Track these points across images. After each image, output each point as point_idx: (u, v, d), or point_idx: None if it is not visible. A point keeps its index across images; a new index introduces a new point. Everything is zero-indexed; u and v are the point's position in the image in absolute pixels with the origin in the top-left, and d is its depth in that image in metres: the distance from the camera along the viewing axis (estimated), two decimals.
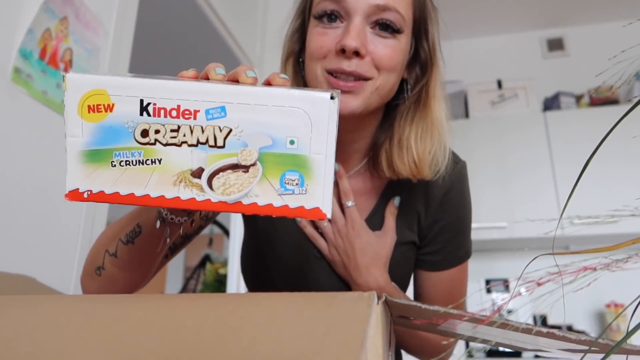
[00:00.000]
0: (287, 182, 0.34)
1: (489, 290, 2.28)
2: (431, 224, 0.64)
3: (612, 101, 2.56)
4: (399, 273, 0.63)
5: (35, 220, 0.98)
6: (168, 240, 0.48)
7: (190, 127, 0.34)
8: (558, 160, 2.42)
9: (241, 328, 0.21)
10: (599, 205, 2.34)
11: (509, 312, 2.33)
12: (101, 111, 0.34)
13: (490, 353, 2.13)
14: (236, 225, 2.19)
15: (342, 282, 0.62)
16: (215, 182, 0.34)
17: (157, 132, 0.34)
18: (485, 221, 2.39)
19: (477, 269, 2.61)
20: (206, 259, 2.77)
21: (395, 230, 0.61)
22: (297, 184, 0.34)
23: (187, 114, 0.34)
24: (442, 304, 0.57)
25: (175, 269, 5.04)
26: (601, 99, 2.58)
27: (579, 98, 2.66)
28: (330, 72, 0.54)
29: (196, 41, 2.98)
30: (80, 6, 1.10)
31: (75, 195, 0.34)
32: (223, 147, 0.34)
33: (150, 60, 3.19)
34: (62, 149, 1.08)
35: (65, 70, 1.05)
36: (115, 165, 0.34)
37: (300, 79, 0.62)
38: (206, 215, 0.64)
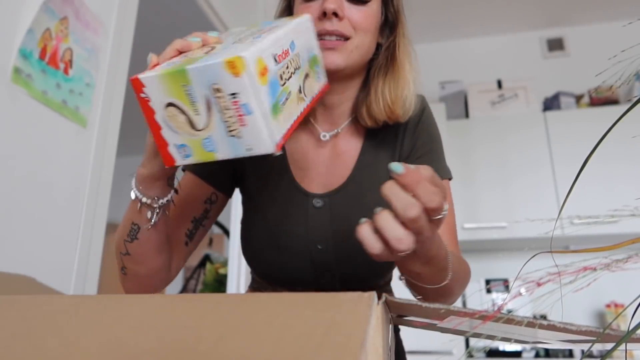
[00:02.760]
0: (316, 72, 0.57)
1: (489, 290, 2.28)
2: (411, 149, 0.73)
3: (612, 101, 2.56)
4: None
5: (35, 220, 0.98)
6: (156, 217, 0.59)
7: (289, 61, 0.49)
8: (558, 160, 2.42)
9: (241, 328, 0.21)
10: (599, 205, 2.35)
11: (509, 312, 2.33)
12: (264, 74, 0.43)
13: (490, 353, 2.13)
14: (236, 225, 2.19)
15: (346, 234, 0.67)
16: (306, 90, 0.53)
17: (282, 74, 0.47)
18: (485, 221, 2.39)
19: (477, 269, 2.61)
20: (206, 258, 2.77)
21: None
22: (318, 74, 0.58)
23: (285, 54, 0.48)
24: (445, 223, 0.66)
25: None
26: (601, 99, 2.58)
27: (579, 98, 2.66)
28: (319, 35, 0.64)
29: None
30: (80, 6, 1.10)
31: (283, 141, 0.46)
32: (300, 67, 0.52)
33: None
34: (62, 149, 1.07)
35: (65, 70, 1.05)
36: (282, 110, 0.46)
37: None
38: (209, 199, 0.73)
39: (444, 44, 3.13)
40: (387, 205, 0.43)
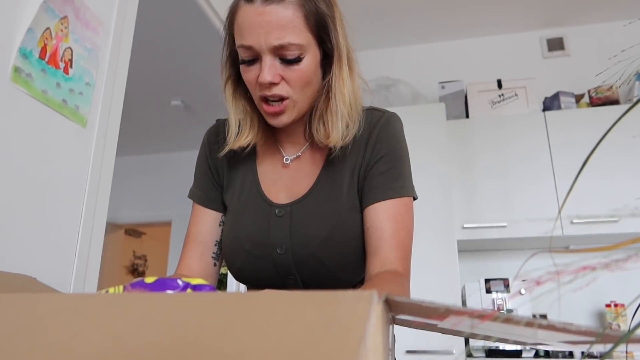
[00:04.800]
0: None
1: (488, 290, 2.28)
2: (367, 165, 0.78)
3: (612, 101, 2.56)
4: (357, 237, 0.75)
5: (35, 220, 0.98)
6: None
7: None
8: (558, 160, 2.42)
9: (240, 324, 0.21)
10: (599, 205, 2.35)
11: (509, 311, 2.33)
12: None
13: (490, 353, 2.13)
14: None
15: (302, 237, 0.75)
16: None
17: None
18: (485, 221, 2.39)
19: (477, 269, 2.61)
20: None
21: (347, 197, 0.77)
22: None
23: None
24: (389, 233, 0.72)
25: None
26: (601, 99, 2.58)
27: (579, 98, 2.66)
28: (262, 99, 0.73)
29: (196, 41, 2.98)
30: (80, 5, 1.10)
31: None
32: None
33: (150, 60, 3.19)
34: (61, 149, 1.08)
35: (65, 70, 1.05)
36: None
37: (240, 96, 0.80)
38: (222, 221, 0.86)
39: (444, 44, 3.13)
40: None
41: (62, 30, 1.05)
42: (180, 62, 3.27)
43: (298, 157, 0.82)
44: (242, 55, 0.72)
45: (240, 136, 0.79)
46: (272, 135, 0.84)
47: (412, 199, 0.78)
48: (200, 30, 2.68)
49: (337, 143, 0.75)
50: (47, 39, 1.01)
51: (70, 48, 1.07)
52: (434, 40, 3.12)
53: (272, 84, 0.70)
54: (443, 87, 2.82)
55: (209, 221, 0.84)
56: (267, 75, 0.69)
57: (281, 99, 0.72)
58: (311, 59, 0.73)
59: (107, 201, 1.22)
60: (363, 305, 0.21)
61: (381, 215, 0.74)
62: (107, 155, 1.20)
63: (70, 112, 1.08)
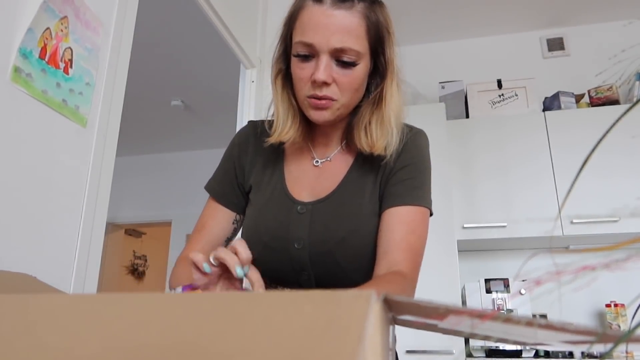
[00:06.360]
0: None
1: (488, 290, 2.28)
2: (390, 172, 0.81)
3: (612, 101, 2.56)
4: (373, 244, 0.77)
5: (35, 220, 0.98)
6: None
7: None
8: (558, 159, 2.42)
9: (239, 324, 0.21)
10: (599, 205, 2.35)
11: (509, 312, 2.33)
12: None
13: (490, 353, 2.13)
14: None
15: (321, 235, 0.77)
16: None
17: None
18: (485, 221, 2.39)
19: (477, 269, 2.61)
20: None
21: (369, 201, 0.80)
22: None
23: None
24: (400, 236, 0.74)
25: None
26: (601, 99, 2.58)
27: (579, 98, 2.66)
28: (310, 97, 0.75)
29: (196, 41, 2.99)
30: (80, 5, 1.10)
31: None
32: None
33: (150, 60, 3.19)
34: (61, 149, 1.07)
35: (65, 70, 1.05)
36: None
37: (288, 90, 0.82)
38: (236, 220, 0.88)
39: (444, 44, 3.13)
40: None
41: (62, 30, 1.05)
42: (180, 62, 3.27)
43: (328, 160, 0.85)
44: (299, 50, 0.75)
45: (284, 129, 0.81)
46: (307, 135, 0.86)
47: (428, 211, 0.81)
48: (200, 30, 2.68)
49: (382, 152, 0.78)
50: (47, 39, 1.01)
51: (70, 48, 1.07)
52: (434, 40, 3.12)
53: (325, 84, 0.73)
54: (443, 87, 2.82)
55: (221, 216, 0.87)
56: (322, 74, 0.72)
57: (329, 99, 0.75)
58: (364, 67, 0.76)
59: (107, 201, 1.21)
60: (361, 304, 0.21)
61: (395, 219, 0.77)
62: (107, 155, 1.20)
63: (70, 112, 1.08)
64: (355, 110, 0.82)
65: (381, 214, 0.79)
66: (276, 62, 0.84)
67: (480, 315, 0.25)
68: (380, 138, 0.78)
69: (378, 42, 0.78)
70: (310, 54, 0.74)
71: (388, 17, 0.81)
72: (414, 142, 0.84)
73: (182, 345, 0.20)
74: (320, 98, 0.74)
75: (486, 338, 0.35)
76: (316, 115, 0.76)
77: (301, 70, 0.75)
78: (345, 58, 0.73)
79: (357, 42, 0.73)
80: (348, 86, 0.75)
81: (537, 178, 2.41)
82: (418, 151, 0.84)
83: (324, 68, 0.72)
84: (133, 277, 5.78)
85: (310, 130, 0.85)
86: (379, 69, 0.80)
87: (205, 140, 4.56)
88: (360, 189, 0.81)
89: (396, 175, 0.81)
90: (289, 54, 0.80)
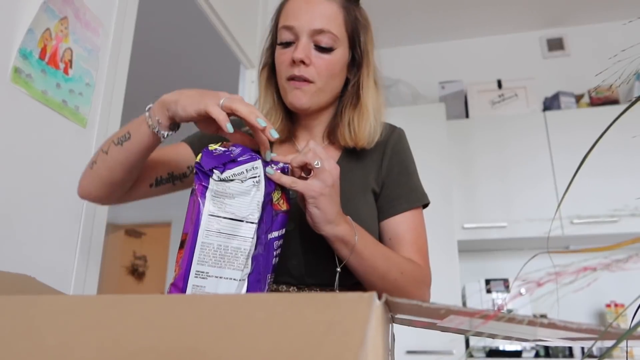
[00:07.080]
0: None
1: (488, 290, 2.28)
2: (386, 173, 0.84)
3: (612, 101, 2.56)
4: (369, 221, 0.80)
5: (35, 220, 0.98)
6: (147, 139, 0.70)
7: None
8: (558, 159, 2.42)
9: (240, 327, 0.21)
10: (599, 205, 2.35)
11: (509, 311, 2.32)
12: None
13: (491, 353, 2.13)
14: None
15: (309, 253, 0.76)
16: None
17: None
18: (485, 221, 2.39)
19: (477, 269, 2.61)
20: None
21: (361, 180, 0.83)
22: None
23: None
24: (410, 241, 0.80)
25: None
26: (601, 99, 2.58)
27: (579, 98, 2.66)
28: (289, 78, 0.78)
29: (196, 41, 2.98)
30: (80, 6, 1.10)
31: None
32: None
33: (150, 60, 3.19)
34: (61, 149, 1.07)
35: (65, 70, 1.05)
36: None
37: (272, 85, 0.85)
38: (192, 167, 0.84)
39: (444, 44, 3.13)
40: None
41: (62, 31, 1.05)
42: (181, 62, 3.27)
43: None
44: (282, 37, 0.79)
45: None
46: (290, 131, 0.87)
47: (422, 207, 0.85)
48: (200, 30, 2.68)
49: (365, 146, 0.81)
50: (47, 39, 1.01)
51: (70, 49, 1.07)
52: (434, 40, 3.12)
53: (302, 63, 0.76)
54: (443, 87, 2.82)
55: (182, 153, 0.84)
56: (300, 53, 0.75)
57: (306, 81, 0.77)
58: (341, 54, 0.79)
59: None
60: (363, 307, 0.21)
61: (401, 227, 0.81)
62: None
63: (70, 112, 1.08)
64: (337, 108, 0.85)
65: (383, 220, 0.82)
66: (264, 54, 0.88)
67: (481, 317, 0.25)
68: (363, 131, 0.81)
69: (355, 33, 0.81)
70: (292, 41, 0.78)
71: (366, 15, 0.85)
72: (401, 143, 0.87)
73: (182, 348, 0.20)
74: (297, 78, 0.77)
75: (489, 336, 0.35)
76: (294, 98, 0.77)
77: (282, 55, 0.79)
78: (324, 43, 0.77)
79: (335, 27, 0.77)
80: (325, 70, 0.77)
81: (537, 178, 2.41)
82: (407, 152, 0.88)
83: (302, 48, 0.76)
84: (133, 278, 5.77)
85: (293, 126, 0.87)
86: (356, 61, 0.83)
87: None
88: (347, 184, 0.81)
89: (392, 179, 0.84)
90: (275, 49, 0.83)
